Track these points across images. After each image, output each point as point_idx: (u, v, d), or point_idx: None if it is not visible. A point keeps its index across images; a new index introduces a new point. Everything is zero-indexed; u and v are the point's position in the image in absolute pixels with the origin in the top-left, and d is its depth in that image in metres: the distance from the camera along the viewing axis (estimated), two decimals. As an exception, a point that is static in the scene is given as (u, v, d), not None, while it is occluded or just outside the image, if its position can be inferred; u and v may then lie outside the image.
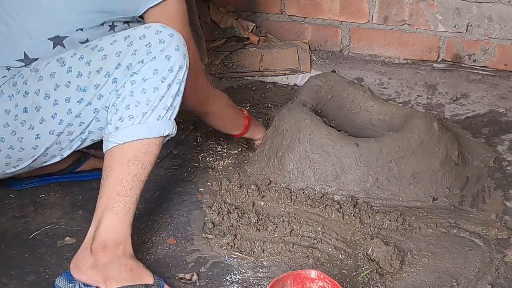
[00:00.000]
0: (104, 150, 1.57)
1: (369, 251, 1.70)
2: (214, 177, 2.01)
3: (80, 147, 1.69)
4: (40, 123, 1.60)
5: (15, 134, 1.61)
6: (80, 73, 1.57)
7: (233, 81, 2.65)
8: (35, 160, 1.67)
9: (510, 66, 2.65)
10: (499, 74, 2.64)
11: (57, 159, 1.70)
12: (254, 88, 2.60)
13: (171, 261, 1.70)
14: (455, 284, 1.61)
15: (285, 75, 2.68)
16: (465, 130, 2.28)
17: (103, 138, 1.59)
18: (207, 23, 2.86)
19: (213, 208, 1.85)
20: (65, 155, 1.69)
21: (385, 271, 1.65)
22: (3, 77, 1.62)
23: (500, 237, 1.77)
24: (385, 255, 1.67)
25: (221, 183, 1.95)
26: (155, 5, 1.64)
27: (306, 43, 2.84)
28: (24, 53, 1.63)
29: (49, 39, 1.62)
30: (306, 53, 2.78)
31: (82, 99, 1.58)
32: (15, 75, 1.62)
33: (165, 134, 1.58)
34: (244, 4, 2.91)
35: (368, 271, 1.65)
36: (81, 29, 1.63)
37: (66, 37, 1.63)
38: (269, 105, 2.44)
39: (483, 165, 2.07)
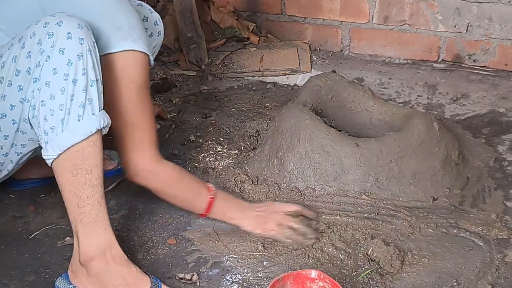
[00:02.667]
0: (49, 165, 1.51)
1: (369, 251, 1.70)
2: (215, 177, 2.01)
3: (24, 159, 1.63)
4: None
5: None
6: None
7: (233, 81, 2.65)
8: None
9: (510, 66, 2.65)
10: (500, 74, 2.64)
11: (4, 173, 1.64)
12: (254, 88, 2.60)
13: (171, 261, 1.69)
14: (455, 284, 1.61)
15: (285, 75, 2.68)
16: (465, 130, 2.28)
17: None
18: (207, 23, 2.86)
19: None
20: (10, 169, 1.64)
21: (385, 271, 1.65)
22: None
23: (501, 237, 1.76)
24: (386, 255, 1.67)
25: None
26: (102, 55, 1.51)
27: (307, 43, 2.84)
28: None
29: None
30: (306, 53, 2.78)
31: None
32: None
33: (93, 132, 1.46)
34: (244, 4, 2.91)
35: (369, 271, 1.65)
36: None
37: None
38: (269, 105, 2.44)
39: (483, 165, 2.07)
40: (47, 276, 1.64)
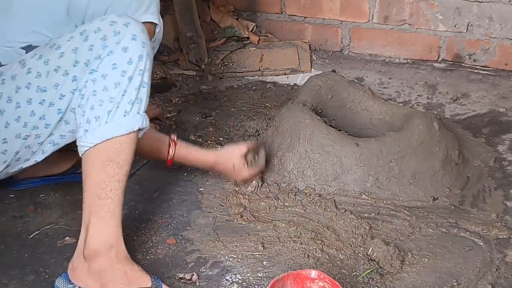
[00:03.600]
0: (80, 155, 1.53)
1: (369, 251, 1.69)
2: (214, 177, 2.00)
3: (54, 150, 1.65)
4: (5, 127, 1.56)
5: None
6: (39, 74, 1.53)
7: (233, 81, 2.65)
8: (8, 165, 1.63)
9: (510, 65, 2.65)
10: (500, 74, 2.64)
11: (31, 163, 1.65)
12: (254, 87, 2.60)
13: (171, 261, 1.69)
14: (455, 284, 1.61)
15: (285, 74, 2.68)
16: (465, 129, 2.28)
17: (76, 142, 1.54)
18: (207, 23, 2.86)
19: (214, 209, 1.85)
20: (39, 160, 1.65)
21: (385, 271, 1.65)
22: None
23: (501, 237, 1.76)
24: (386, 255, 1.67)
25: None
26: None
27: (306, 42, 2.84)
28: None
29: (21, 48, 1.60)
30: (306, 52, 2.78)
31: (43, 100, 1.54)
32: None
33: (135, 129, 1.52)
34: (244, 4, 2.91)
35: (369, 271, 1.65)
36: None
37: (38, 46, 1.59)
38: (269, 105, 2.44)
39: (483, 164, 2.07)
40: (46, 276, 1.64)
